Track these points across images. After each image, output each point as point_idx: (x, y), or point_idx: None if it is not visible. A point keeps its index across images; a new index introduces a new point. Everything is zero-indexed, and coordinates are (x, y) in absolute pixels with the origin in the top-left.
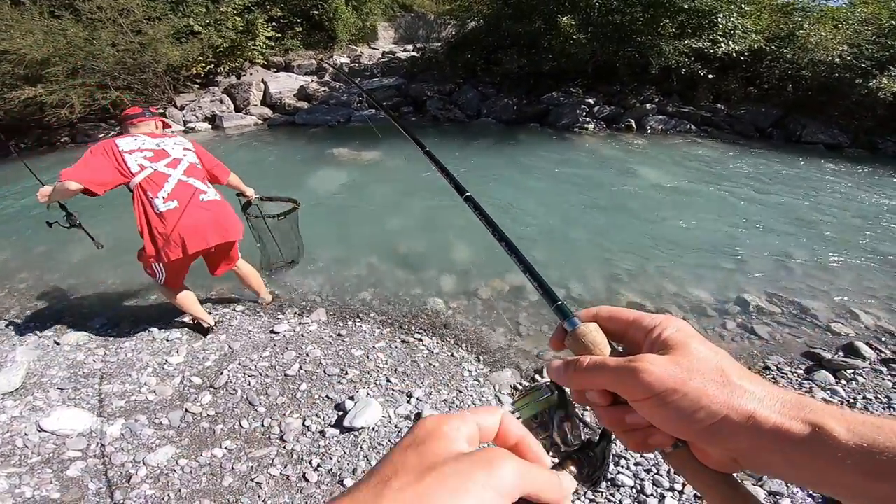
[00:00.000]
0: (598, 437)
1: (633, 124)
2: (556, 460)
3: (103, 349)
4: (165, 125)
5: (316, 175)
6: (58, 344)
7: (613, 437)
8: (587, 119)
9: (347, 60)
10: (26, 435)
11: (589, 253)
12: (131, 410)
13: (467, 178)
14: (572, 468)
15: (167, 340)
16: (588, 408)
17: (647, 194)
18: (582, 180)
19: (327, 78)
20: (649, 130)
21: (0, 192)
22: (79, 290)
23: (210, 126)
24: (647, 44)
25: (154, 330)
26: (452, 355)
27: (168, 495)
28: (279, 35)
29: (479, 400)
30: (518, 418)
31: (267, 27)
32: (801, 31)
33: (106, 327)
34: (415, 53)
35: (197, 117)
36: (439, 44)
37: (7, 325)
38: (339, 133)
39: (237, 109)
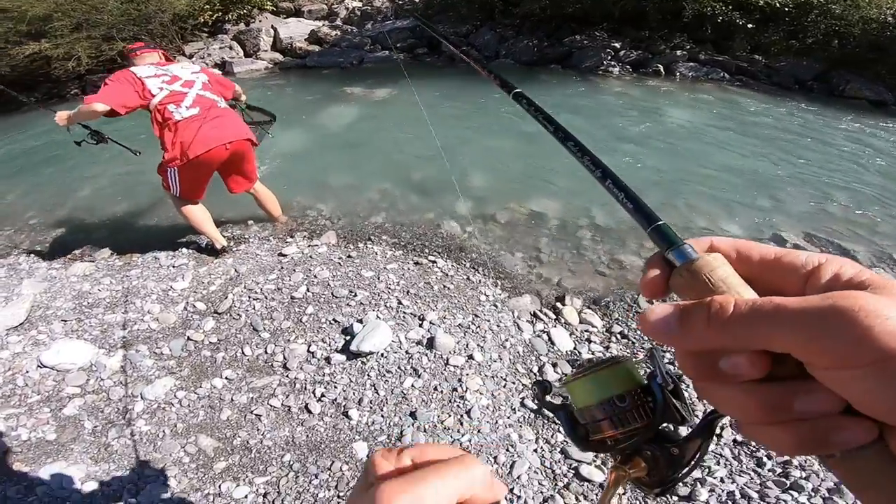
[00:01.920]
0: (693, 429)
1: (662, 69)
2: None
3: (109, 278)
4: (168, 58)
5: (328, 112)
6: (65, 276)
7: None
8: (612, 63)
9: (360, 4)
10: (27, 372)
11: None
12: (133, 340)
13: (489, 115)
14: (636, 470)
15: (173, 266)
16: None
17: (676, 133)
18: (607, 118)
19: (339, 22)
20: (678, 76)
21: (8, 138)
22: (88, 223)
23: (220, 72)
24: None
25: (161, 256)
26: (468, 279)
27: (163, 431)
28: None
29: (497, 325)
30: (573, 406)
31: None
32: None
33: (113, 257)
34: None
35: (206, 64)
36: None
37: (17, 260)
38: (352, 74)
39: (247, 55)
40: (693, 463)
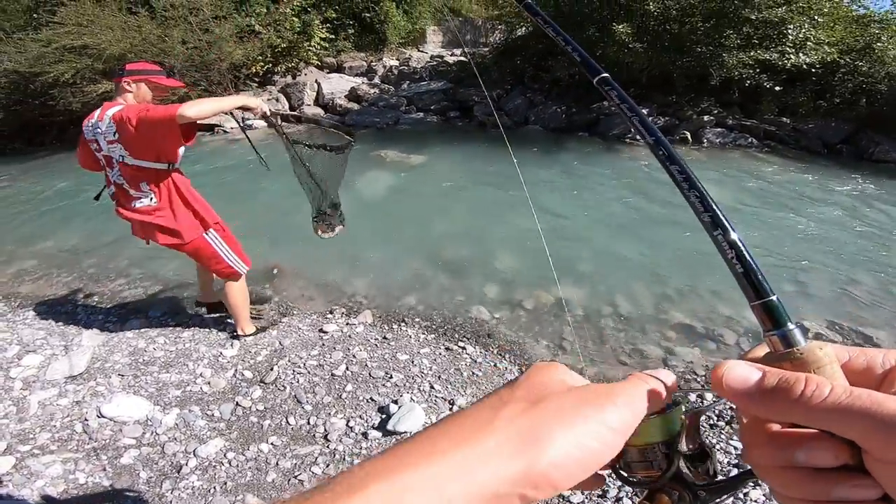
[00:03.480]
0: (727, 479)
1: (689, 136)
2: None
3: (163, 338)
4: (122, 89)
5: (364, 176)
6: (121, 330)
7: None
8: None
9: (396, 63)
10: (86, 420)
11: (636, 267)
12: (186, 400)
13: (514, 184)
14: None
15: (221, 333)
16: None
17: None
18: (632, 192)
19: (377, 80)
20: (706, 143)
21: (70, 182)
22: (142, 278)
23: (266, 125)
24: (708, 54)
25: (209, 320)
26: (495, 366)
27: (214, 487)
28: (332, 36)
29: None
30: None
31: (322, 28)
32: (878, 44)
33: (167, 316)
34: (462, 58)
35: (253, 115)
36: (487, 49)
37: (74, 309)
38: (387, 135)
39: (291, 109)
40: None
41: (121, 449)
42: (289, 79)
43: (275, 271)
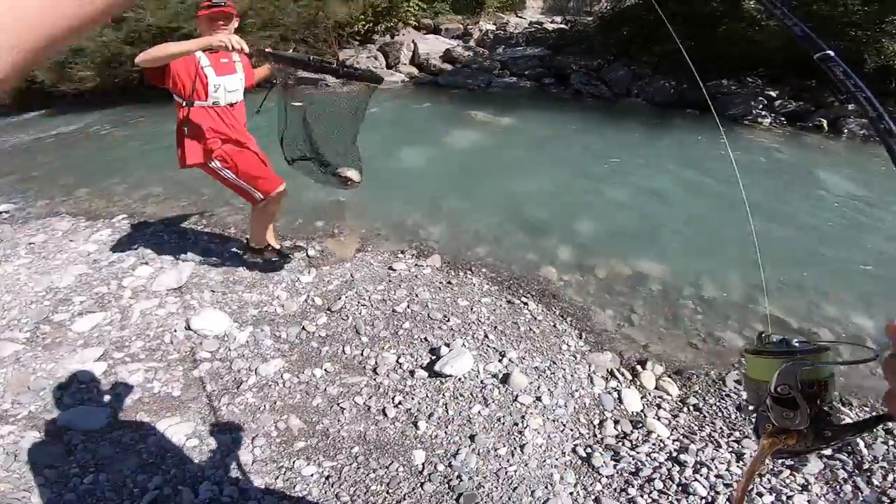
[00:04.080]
0: (858, 422)
1: (825, 125)
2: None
3: (253, 259)
4: None
5: (452, 133)
6: (221, 251)
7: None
8: (763, 112)
9: (493, 27)
10: (175, 331)
11: (734, 253)
12: (260, 320)
13: (610, 159)
14: (789, 439)
15: (302, 259)
16: None
17: (829, 206)
18: (748, 175)
19: (472, 43)
20: (845, 133)
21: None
22: (244, 207)
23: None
24: (864, 38)
25: (297, 243)
26: (555, 325)
27: (265, 405)
28: None
29: (571, 375)
30: (758, 380)
31: None
32: None
33: None
34: (563, 26)
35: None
36: (591, 17)
37: (187, 230)
38: (478, 97)
39: (388, 66)
40: (840, 447)
41: (196, 362)
42: (387, 38)
43: (351, 210)
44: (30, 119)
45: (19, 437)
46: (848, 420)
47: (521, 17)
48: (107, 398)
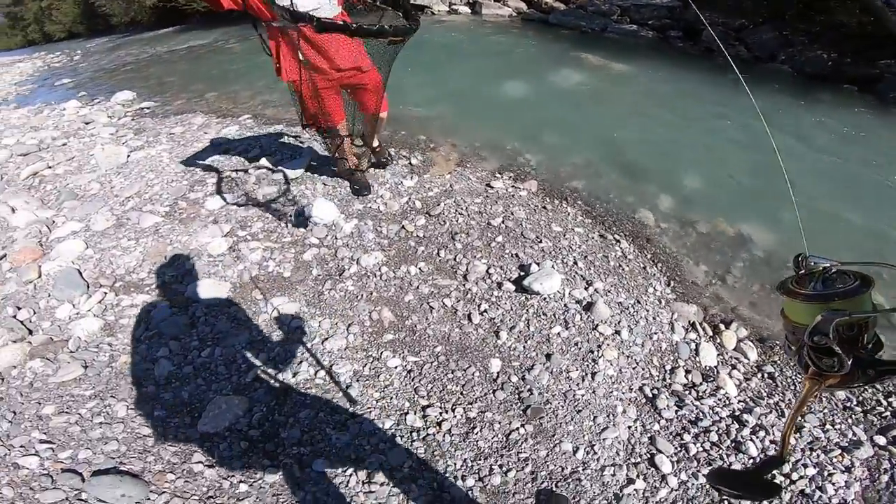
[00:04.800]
0: None
1: None
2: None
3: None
4: None
5: (559, 72)
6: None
7: None
8: None
9: None
10: (290, 216)
11: (871, 247)
12: (364, 215)
13: (734, 120)
14: (832, 381)
15: (406, 167)
16: None
17: None
18: None
19: None
20: None
21: None
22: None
23: (470, 11)
24: None
25: (399, 155)
26: (644, 268)
27: (362, 294)
28: None
29: (653, 318)
30: (795, 322)
31: None
32: None
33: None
34: None
35: (460, 1)
36: None
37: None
38: (591, 40)
39: (496, 0)
40: (881, 384)
41: (306, 246)
42: None
43: (453, 129)
44: (165, 34)
45: (151, 306)
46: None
47: None
48: (229, 273)
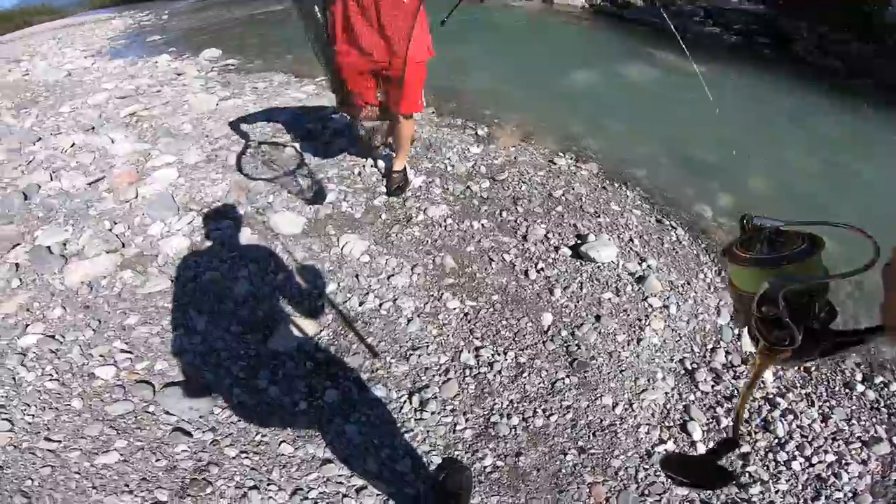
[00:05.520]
0: (852, 332)
1: None
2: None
3: (433, 126)
4: None
5: (627, 66)
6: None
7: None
8: None
9: None
10: (363, 166)
11: None
12: (432, 173)
13: (814, 131)
14: (783, 355)
15: (472, 135)
16: None
17: None
18: None
19: None
20: None
21: None
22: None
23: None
24: None
25: (466, 124)
26: (698, 256)
27: (427, 240)
28: None
29: (702, 300)
30: (741, 289)
31: None
32: None
33: (430, 109)
34: None
35: None
36: None
37: None
38: (667, 39)
39: None
40: (835, 356)
41: (376, 194)
42: None
43: (518, 107)
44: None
45: (235, 231)
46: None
47: None
48: (306, 209)
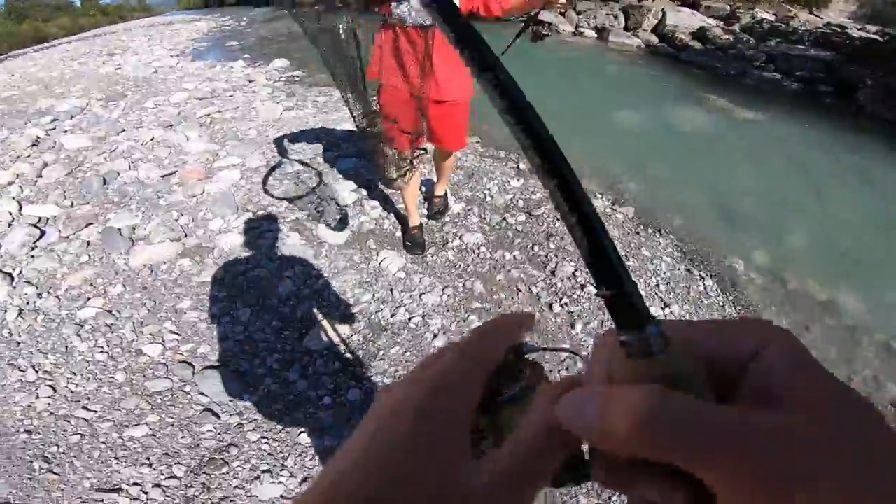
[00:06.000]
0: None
1: None
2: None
3: (472, 155)
4: None
5: (680, 110)
6: None
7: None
8: None
9: (771, 17)
10: None
11: None
12: (471, 201)
13: (875, 199)
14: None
15: (514, 169)
16: None
17: None
18: None
19: (736, 27)
20: None
21: None
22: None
23: (596, 36)
24: None
25: (505, 157)
26: (724, 307)
27: (459, 265)
28: None
29: None
30: None
31: None
32: None
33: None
34: (875, 36)
35: (588, 24)
36: None
37: None
38: (723, 83)
39: (626, 29)
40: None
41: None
42: (633, 0)
43: (562, 144)
44: (313, 12)
45: (286, 234)
46: None
47: (815, 15)
48: (351, 222)
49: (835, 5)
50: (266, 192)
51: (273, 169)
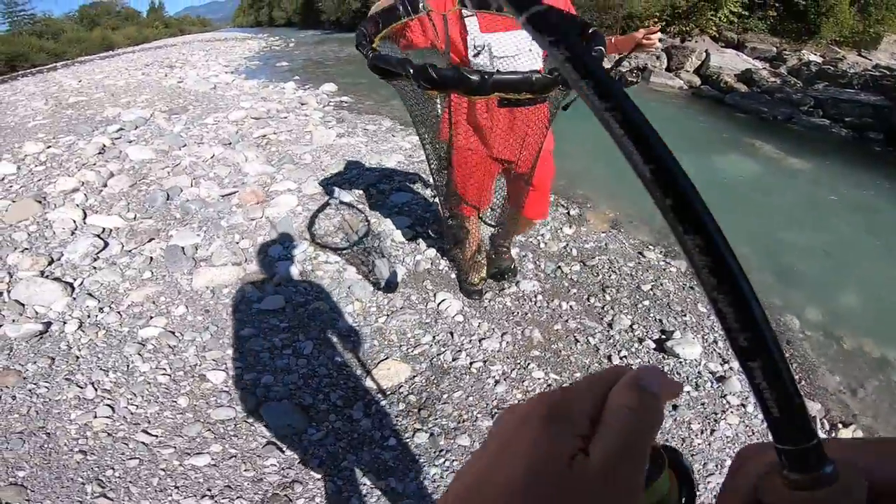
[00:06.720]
0: None
1: None
2: None
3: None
4: None
5: (726, 157)
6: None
7: None
8: None
9: (819, 60)
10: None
11: None
12: (526, 247)
13: None
14: None
15: (565, 216)
16: None
17: None
18: None
19: (783, 70)
20: None
21: None
22: None
23: (637, 79)
24: None
25: (562, 207)
26: None
27: (517, 312)
28: (746, 13)
29: None
30: None
31: (736, 2)
32: None
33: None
34: None
35: (629, 64)
36: None
37: None
38: (770, 128)
39: (668, 69)
40: None
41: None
42: (676, 41)
43: (610, 192)
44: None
45: (343, 267)
46: None
47: (865, 57)
48: (406, 259)
49: (884, 47)
50: (312, 238)
51: (319, 210)
